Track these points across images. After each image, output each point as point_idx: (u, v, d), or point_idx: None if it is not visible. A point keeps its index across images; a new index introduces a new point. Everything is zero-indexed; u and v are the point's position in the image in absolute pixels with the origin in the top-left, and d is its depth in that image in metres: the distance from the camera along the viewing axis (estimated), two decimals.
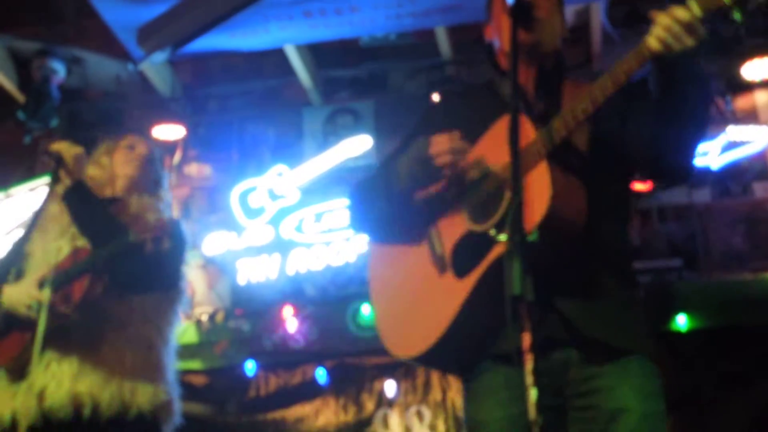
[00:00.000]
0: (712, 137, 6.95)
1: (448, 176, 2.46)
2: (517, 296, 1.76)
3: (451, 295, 2.41)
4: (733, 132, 6.96)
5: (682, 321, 6.88)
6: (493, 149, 2.43)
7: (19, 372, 3.22)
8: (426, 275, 2.53)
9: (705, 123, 2.39)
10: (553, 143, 2.26)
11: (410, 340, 2.54)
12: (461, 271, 2.41)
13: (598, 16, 6.50)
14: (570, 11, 6.75)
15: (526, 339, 1.76)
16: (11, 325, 3.25)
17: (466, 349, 2.46)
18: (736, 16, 2.12)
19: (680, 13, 2.15)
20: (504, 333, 2.36)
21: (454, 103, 2.79)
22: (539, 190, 2.18)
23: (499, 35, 2.62)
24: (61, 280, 3.20)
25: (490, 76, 2.73)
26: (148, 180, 3.60)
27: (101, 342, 3.27)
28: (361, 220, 2.77)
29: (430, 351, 2.46)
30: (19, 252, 3.27)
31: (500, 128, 2.43)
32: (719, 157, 6.97)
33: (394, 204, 2.59)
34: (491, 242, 2.32)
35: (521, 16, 2.34)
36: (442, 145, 2.42)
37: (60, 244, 3.37)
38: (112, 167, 3.56)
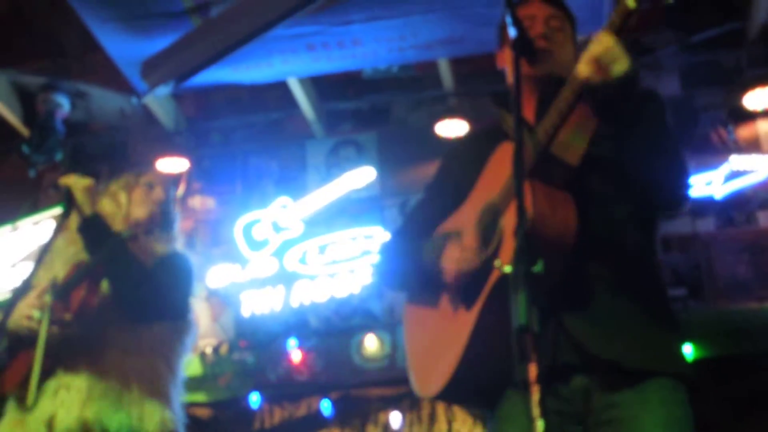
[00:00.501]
0: (715, 167, 6.96)
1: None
2: (523, 327, 1.76)
3: (461, 329, 2.41)
4: (736, 161, 6.97)
5: (687, 350, 6.86)
6: (490, 180, 2.46)
7: (26, 397, 3.19)
8: (445, 317, 2.54)
9: (669, 146, 2.39)
10: (530, 158, 2.27)
11: (431, 378, 2.54)
12: (469, 303, 2.42)
13: None
14: None
15: (533, 370, 1.75)
16: (17, 348, 3.24)
17: (483, 380, 2.44)
18: (668, 0, 2.19)
19: (605, 40, 2.20)
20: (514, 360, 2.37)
21: (468, 148, 2.81)
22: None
23: (507, 66, 2.66)
24: (60, 289, 3.21)
25: (494, 111, 2.75)
26: (159, 222, 3.61)
27: (109, 368, 3.25)
28: (392, 282, 2.87)
29: (448, 387, 2.45)
30: (26, 287, 3.27)
31: (497, 158, 2.49)
32: (723, 187, 6.98)
33: (419, 278, 2.64)
34: (488, 271, 2.33)
35: (524, 49, 2.36)
36: (450, 261, 2.45)
37: (67, 271, 3.37)
38: (129, 205, 3.56)
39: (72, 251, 3.39)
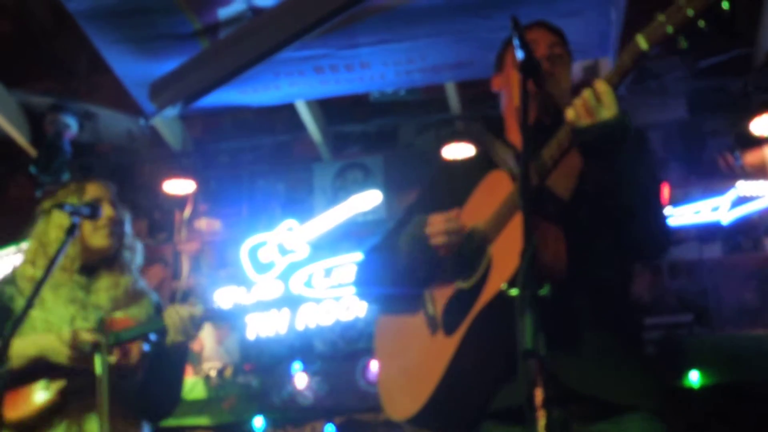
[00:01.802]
0: (722, 193, 6.95)
1: (442, 254, 2.49)
2: (529, 351, 1.75)
3: (441, 352, 2.41)
4: (743, 187, 6.96)
5: (694, 377, 6.83)
6: (477, 207, 2.48)
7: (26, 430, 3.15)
8: (420, 337, 2.54)
9: (644, 198, 2.40)
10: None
11: (404, 402, 2.54)
12: (449, 329, 2.41)
13: (608, 71, 6.53)
14: (578, 67, 6.80)
15: (539, 394, 1.73)
16: (34, 376, 3.17)
17: (460, 408, 2.45)
18: (683, 44, 2.20)
19: (599, 86, 2.26)
20: (498, 389, 2.36)
21: (455, 173, 2.83)
22: (513, 243, 2.16)
23: (509, 88, 2.66)
24: (113, 340, 3.14)
25: (489, 141, 2.76)
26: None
27: (114, 415, 3.13)
28: (366, 291, 2.88)
29: (422, 412, 2.46)
30: (30, 305, 3.21)
31: (484, 186, 2.51)
32: (730, 213, 6.96)
33: (396, 281, 2.64)
34: (474, 298, 2.32)
35: (531, 71, 2.37)
36: (437, 225, 2.46)
37: (71, 312, 3.30)
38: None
39: (71, 287, 3.35)
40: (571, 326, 2.29)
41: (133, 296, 3.44)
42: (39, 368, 3.16)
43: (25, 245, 3.52)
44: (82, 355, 3.11)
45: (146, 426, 3.39)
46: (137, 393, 3.23)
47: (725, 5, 2.12)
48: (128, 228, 3.55)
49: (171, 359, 3.26)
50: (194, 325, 3.18)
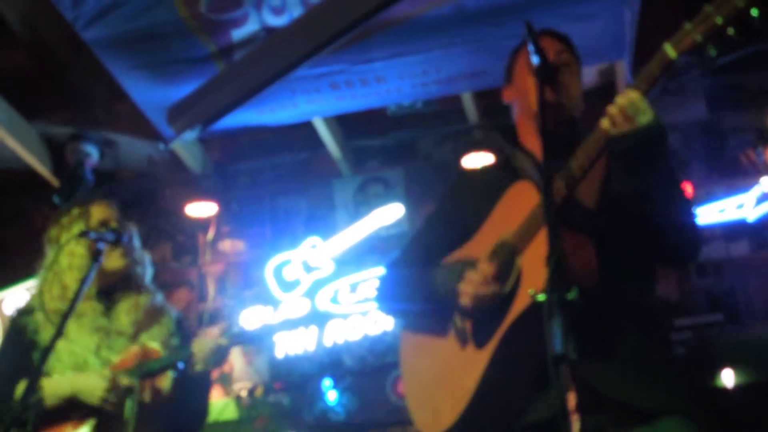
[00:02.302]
0: (746, 190, 6.91)
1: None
2: (560, 356, 1.73)
3: (473, 366, 2.40)
4: (766, 183, 6.91)
5: (727, 376, 6.76)
6: (503, 218, 2.47)
7: None
8: (450, 351, 2.53)
9: (678, 205, 2.41)
10: (556, 202, 2.26)
11: (436, 417, 2.53)
12: (480, 342, 2.39)
13: (623, 75, 6.51)
14: (594, 71, 6.78)
15: (572, 399, 1.72)
16: (65, 415, 3.16)
17: (494, 421, 2.42)
18: (712, 52, 2.18)
19: (631, 94, 2.24)
20: (531, 401, 2.34)
21: (473, 183, 2.82)
22: (542, 254, 2.14)
23: (524, 97, 2.65)
24: (143, 371, 3.16)
25: (505, 149, 2.75)
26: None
27: None
28: (390, 307, 2.91)
29: (456, 426, 2.44)
30: (58, 337, 3.20)
31: (509, 197, 2.51)
32: (755, 209, 6.91)
33: (424, 305, 2.65)
34: (505, 310, 2.31)
35: (546, 76, 2.37)
36: (470, 287, 2.44)
37: (95, 341, 3.30)
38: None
39: (92, 316, 3.35)
40: (601, 333, 2.28)
41: (154, 315, 3.44)
42: (69, 406, 3.17)
43: (43, 275, 3.50)
44: (118, 399, 3.11)
45: None
46: (165, 420, 3.23)
47: (755, 12, 2.10)
48: (136, 242, 3.55)
49: (198, 386, 3.27)
50: (221, 354, 3.19)
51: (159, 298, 3.54)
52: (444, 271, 2.56)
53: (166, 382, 3.18)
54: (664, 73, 2.24)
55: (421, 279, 2.63)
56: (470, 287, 2.43)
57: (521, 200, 2.41)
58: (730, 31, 2.13)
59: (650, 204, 2.35)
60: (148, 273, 3.55)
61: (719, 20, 2.12)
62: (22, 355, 3.24)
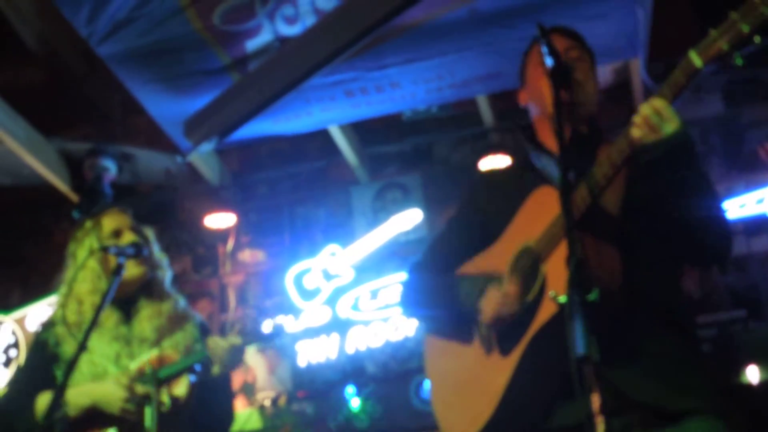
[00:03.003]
0: (765, 184, 6.86)
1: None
2: (583, 357, 1.73)
3: (498, 373, 2.40)
4: None
5: (752, 373, 6.72)
6: (527, 224, 2.46)
7: None
8: (475, 357, 2.53)
9: (707, 202, 2.41)
10: (580, 210, 2.25)
11: (463, 422, 2.53)
12: (505, 349, 2.39)
13: (638, 73, 6.49)
14: (609, 70, 6.76)
15: (596, 401, 1.71)
16: (89, 424, 3.16)
17: (520, 427, 2.42)
18: (738, 61, 2.14)
19: (657, 102, 2.22)
20: (557, 407, 2.34)
21: (494, 183, 2.81)
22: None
23: (539, 98, 2.64)
24: (159, 377, 3.13)
25: (525, 150, 2.73)
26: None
27: None
28: (415, 312, 2.91)
29: (483, 431, 2.44)
30: (81, 351, 3.20)
31: (532, 203, 2.49)
32: None
33: (448, 312, 2.64)
34: (530, 318, 2.30)
35: (560, 76, 2.36)
36: (490, 306, 2.45)
37: (115, 349, 3.30)
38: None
39: (111, 324, 3.35)
40: (627, 336, 2.27)
41: (177, 321, 3.43)
42: (90, 417, 3.17)
43: (62, 290, 3.52)
44: (137, 407, 3.11)
45: None
46: (190, 425, 3.22)
47: None
48: (154, 246, 3.55)
49: (218, 389, 3.26)
50: (237, 354, 3.18)
51: (182, 303, 3.53)
52: (467, 285, 2.56)
53: (182, 387, 3.16)
54: (690, 81, 2.21)
55: (444, 288, 2.63)
56: (491, 306, 2.43)
57: (544, 206, 2.39)
58: (757, 39, 2.10)
59: (680, 206, 2.34)
60: (167, 276, 3.55)
61: (745, 28, 2.08)
62: (44, 368, 3.26)
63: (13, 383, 3.40)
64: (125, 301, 3.39)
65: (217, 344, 3.15)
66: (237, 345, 3.18)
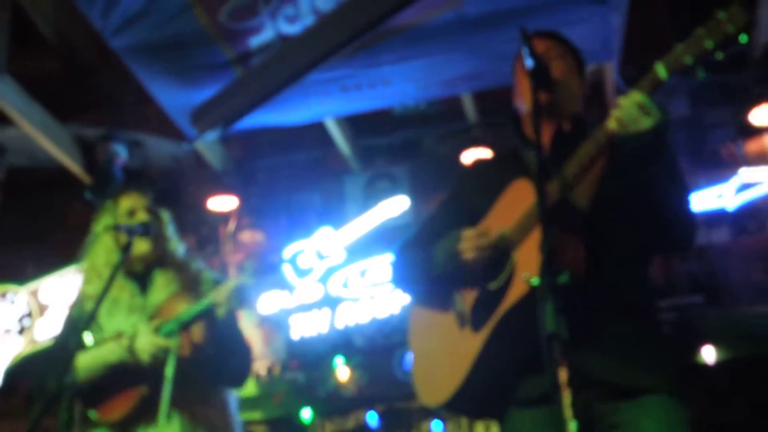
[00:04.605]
0: (726, 180, 6.91)
1: (472, 266, 2.47)
2: (552, 334, 1.75)
3: (470, 346, 2.41)
4: (745, 174, 6.91)
5: (708, 353, 6.78)
6: (504, 213, 2.45)
7: (122, 428, 3.15)
8: (450, 331, 2.54)
9: (678, 196, 2.37)
10: (550, 204, 2.25)
11: (435, 390, 2.55)
12: (477, 325, 2.41)
13: (612, 76, 6.51)
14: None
15: (563, 374, 1.74)
16: (120, 381, 3.18)
17: (486, 396, 2.45)
18: (700, 74, 2.14)
19: (636, 96, 2.17)
20: (522, 380, 2.36)
21: (483, 172, 2.79)
22: (536, 250, 2.11)
23: (522, 98, 2.64)
24: (178, 325, 3.15)
25: (514, 142, 2.72)
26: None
27: (194, 402, 3.20)
28: (403, 287, 2.86)
29: (452, 399, 2.47)
30: (89, 323, 3.20)
31: (511, 192, 2.47)
32: (734, 198, 6.91)
33: (430, 285, 2.64)
34: (500, 299, 2.32)
35: (540, 77, 2.36)
36: (469, 242, 2.44)
37: (132, 320, 3.29)
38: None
39: (127, 294, 3.35)
40: (590, 319, 2.27)
41: (191, 284, 3.42)
42: (121, 374, 3.18)
43: (83, 265, 3.53)
44: (154, 361, 3.13)
45: (230, 398, 3.38)
46: (212, 366, 3.22)
47: (743, 39, 2.06)
48: (169, 228, 3.54)
49: (228, 327, 3.25)
50: (241, 294, 3.18)
51: (195, 266, 3.52)
52: (443, 242, 2.57)
53: (196, 331, 3.18)
54: (654, 91, 2.19)
55: (424, 258, 2.64)
56: (469, 242, 2.44)
57: (520, 197, 2.38)
58: (719, 55, 2.08)
59: (653, 193, 2.31)
60: (179, 249, 3.54)
61: (709, 44, 2.06)
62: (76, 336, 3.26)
63: (49, 349, 3.41)
64: (141, 275, 3.40)
65: (222, 288, 3.16)
66: (240, 285, 3.18)
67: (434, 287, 2.61)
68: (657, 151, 2.27)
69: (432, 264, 2.58)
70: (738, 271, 6.95)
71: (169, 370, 3.01)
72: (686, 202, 2.40)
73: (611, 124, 2.21)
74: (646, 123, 2.19)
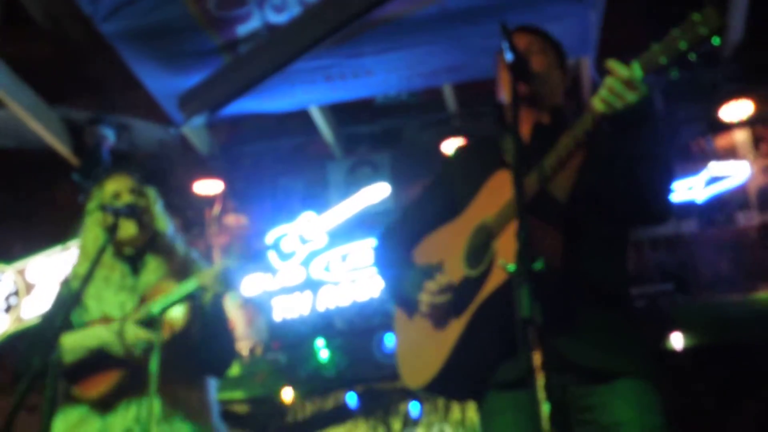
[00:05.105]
0: (696, 173, 6.97)
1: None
2: (527, 319, 1.77)
3: (450, 331, 2.43)
4: (715, 168, 6.97)
5: (676, 339, 6.85)
6: (486, 202, 2.46)
7: (102, 406, 3.12)
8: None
9: (664, 166, 2.36)
10: (529, 196, 2.26)
11: (417, 372, 2.57)
12: (458, 311, 2.43)
13: (588, 70, 6.54)
14: None
15: (537, 358, 1.76)
16: (101, 361, 3.13)
17: (467, 378, 2.48)
18: (674, 74, 2.15)
19: (621, 71, 2.17)
20: (500, 363, 2.39)
21: (465, 159, 2.79)
22: (515, 240, 2.07)
23: (503, 90, 2.64)
24: (162, 307, 3.09)
25: (494, 130, 2.72)
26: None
27: (177, 398, 3.16)
28: (383, 277, 2.85)
29: (433, 381, 2.49)
30: (75, 302, 3.17)
31: (493, 183, 2.47)
32: (703, 191, 6.98)
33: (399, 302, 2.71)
34: (479, 286, 2.34)
35: (519, 70, 2.37)
36: (427, 296, 2.48)
37: (121, 299, 3.27)
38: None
39: (118, 274, 3.33)
40: (567, 307, 2.29)
41: (182, 269, 3.37)
42: (99, 357, 3.15)
43: (71, 245, 3.50)
44: (138, 354, 3.11)
45: (212, 386, 3.34)
46: (196, 352, 3.19)
47: (716, 41, 2.06)
48: (157, 205, 3.48)
49: (213, 314, 3.22)
50: (227, 277, 3.14)
51: (185, 251, 3.48)
52: (412, 275, 2.60)
53: (177, 314, 3.13)
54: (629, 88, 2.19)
55: (397, 272, 2.67)
56: (427, 297, 2.48)
57: (502, 188, 2.39)
58: (692, 56, 2.09)
59: (639, 162, 2.30)
60: (169, 230, 3.51)
61: (683, 45, 2.07)
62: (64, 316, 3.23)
63: (37, 325, 3.39)
64: (133, 257, 3.37)
65: (208, 271, 3.14)
66: (226, 268, 3.15)
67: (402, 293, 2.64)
68: (644, 125, 2.27)
69: (401, 286, 2.64)
70: (706, 261, 7.01)
71: (154, 365, 2.98)
72: (668, 181, 2.38)
73: (598, 105, 2.21)
74: (632, 97, 2.18)
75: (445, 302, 2.46)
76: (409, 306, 2.62)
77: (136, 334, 3.10)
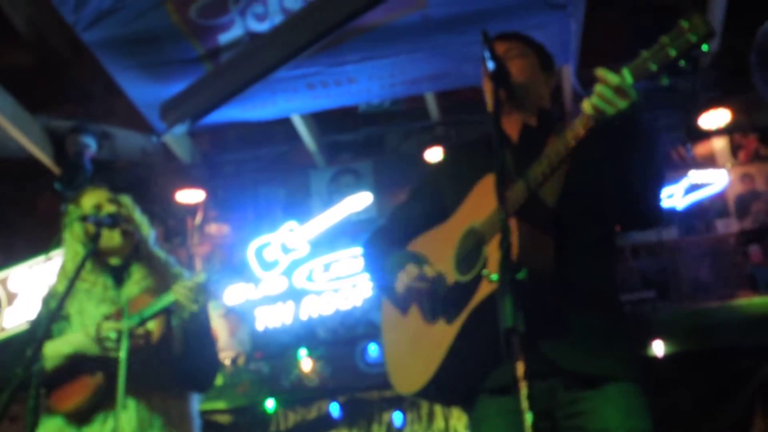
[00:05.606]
0: (676, 181, 7.00)
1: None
2: (510, 328, 1.75)
3: (442, 338, 2.42)
4: (694, 176, 7.01)
5: (658, 347, 6.86)
6: (475, 207, 2.44)
7: (78, 418, 3.08)
8: (423, 323, 2.54)
9: (656, 172, 2.35)
10: (518, 203, 2.25)
11: (409, 378, 2.55)
12: (450, 317, 2.41)
13: (569, 78, 6.56)
14: None
15: (521, 367, 1.74)
16: (79, 370, 3.10)
17: (458, 385, 2.46)
18: (664, 81, 2.14)
19: (611, 78, 2.14)
20: (491, 370, 2.37)
21: (454, 163, 2.77)
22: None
23: (486, 97, 2.63)
24: (138, 317, 3.06)
25: (482, 132, 2.71)
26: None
27: (154, 406, 3.11)
28: (373, 279, 2.83)
29: (426, 387, 2.47)
30: (57, 313, 3.13)
31: (482, 187, 2.45)
32: (683, 199, 7.01)
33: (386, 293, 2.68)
34: (471, 292, 2.32)
35: (500, 79, 2.36)
36: (406, 277, 2.46)
37: (102, 311, 3.19)
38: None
39: (100, 287, 3.29)
40: (557, 312, 2.28)
41: (165, 281, 3.29)
42: (78, 363, 3.14)
43: (53, 255, 3.46)
44: (110, 345, 3.07)
45: (194, 397, 3.29)
46: (178, 367, 3.15)
47: (705, 48, 2.06)
48: (135, 212, 3.43)
49: (195, 330, 3.19)
50: (204, 291, 3.10)
51: (167, 261, 3.45)
52: (395, 257, 2.57)
53: (153, 324, 3.08)
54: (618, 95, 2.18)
55: (382, 261, 2.64)
56: (406, 278, 2.46)
57: (492, 192, 2.36)
58: (682, 63, 2.08)
59: (631, 168, 2.29)
60: (151, 236, 3.47)
61: (673, 53, 2.03)
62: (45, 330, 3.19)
63: (19, 336, 3.34)
64: (118, 268, 3.33)
65: (182, 285, 3.09)
66: (202, 282, 3.11)
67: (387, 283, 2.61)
68: (635, 131, 2.25)
69: (384, 271, 2.60)
70: (686, 268, 7.04)
71: (123, 353, 2.95)
72: (659, 186, 2.38)
73: (589, 112, 2.20)
74: (623, 104, 2.16)
75: (420, 290, 2.44)
76: (395, 295, 2.59)
77: (107, 326, 3.07)
